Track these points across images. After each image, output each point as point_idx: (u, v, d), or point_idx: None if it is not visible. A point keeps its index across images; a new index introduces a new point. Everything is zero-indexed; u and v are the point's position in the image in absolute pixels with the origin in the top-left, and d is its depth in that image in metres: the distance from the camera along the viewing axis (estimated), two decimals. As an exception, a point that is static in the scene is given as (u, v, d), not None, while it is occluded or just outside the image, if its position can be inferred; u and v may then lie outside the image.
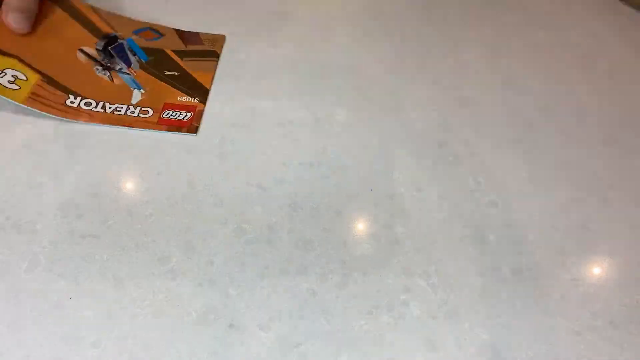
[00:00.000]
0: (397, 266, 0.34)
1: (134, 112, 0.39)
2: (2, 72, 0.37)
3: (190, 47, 0.44)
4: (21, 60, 0.38)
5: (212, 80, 0.42)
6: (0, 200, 0.34)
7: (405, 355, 0.30)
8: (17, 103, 0.37)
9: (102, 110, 0.39)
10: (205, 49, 0.44)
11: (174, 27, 0.46)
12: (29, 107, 0.37)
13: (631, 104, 0.44)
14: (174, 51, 0.44)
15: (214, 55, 0.44)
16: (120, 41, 0.43)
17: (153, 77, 0.42)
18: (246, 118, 0.40)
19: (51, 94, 0.38)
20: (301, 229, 0.35)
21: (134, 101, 0.40)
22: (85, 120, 0.38)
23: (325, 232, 0.35)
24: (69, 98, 0.39)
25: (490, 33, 0.49)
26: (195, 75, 0.42)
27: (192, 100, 0.41)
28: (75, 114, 0.38)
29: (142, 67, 0.42)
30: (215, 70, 0.43)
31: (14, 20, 0.38)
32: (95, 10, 0.44)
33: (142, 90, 0.41)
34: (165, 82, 0.41)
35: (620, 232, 0.36)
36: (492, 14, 0.51)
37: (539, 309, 0.32)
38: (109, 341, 0.29)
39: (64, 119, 0.38)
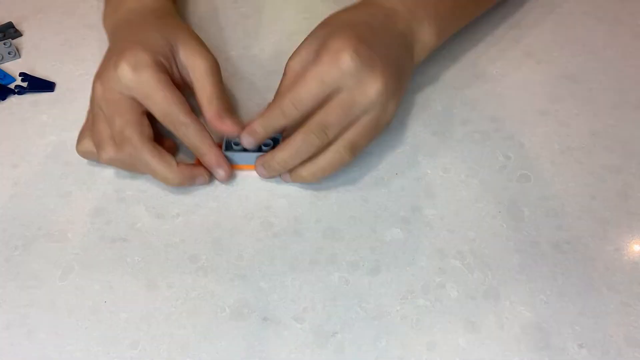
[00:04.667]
0: (429, 248, 0.33)
1: None
2: None
3: None
4: None
5: None
6: (32, 211, 0.35)
7: (445, 338, 0.29)
8: None
9: None
10: None
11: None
12: None
13: (664, 64, 0.42)
14: None
15: None
16: None
17: None
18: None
19: None
20: (328, 218, 0.34)
21: None
22: None
23: (353, 219, 0.34)
24: None
25: (508, 5, 0.48)
26: None
27: None
28: None
29: None
30: None
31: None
32: None
33: None
34: None
35: (664, 197, 0.35)
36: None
37: (582, 282, 0.31)
38: (146, 342, 0.29)
39: None
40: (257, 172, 0.35)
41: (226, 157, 0.34)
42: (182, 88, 0.35)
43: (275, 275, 0.32)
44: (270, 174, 0.34)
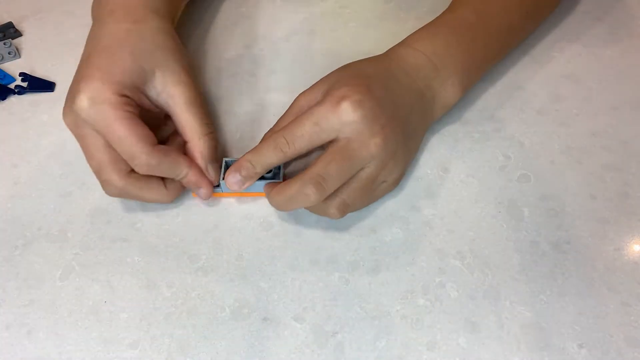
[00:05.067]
0: (429, 248, 0.33)
1: None
2: None
3: None
4: None
5: None
6: (31, 211, 0.35)
7: (445, 337, 0.29)
8: None
9: None
10: None
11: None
12: None
13: (664, 64, 0.42)
14: None
15: None
16: None
17: None
18: (266, 113, 0.40)
19: None
20: (328, 218, 0.34)
21: None
22: None
23: (353, 219, 0.34)
24: None
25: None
26: None
27: None
28: None
29: None
30: None
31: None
32: None
33: None
34: None
35: (664, 197, 0.35)
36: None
37: (582, 282, 0.31)
38: (146, 342, 0.29)
39: None
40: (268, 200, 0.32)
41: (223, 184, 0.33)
42: (156, 114, 0.33)
43: (275, 275, 0.32)
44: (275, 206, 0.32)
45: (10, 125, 0.39)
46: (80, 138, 0.31)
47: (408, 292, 0.31)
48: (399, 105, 0.32)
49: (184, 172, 0.32)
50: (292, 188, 0.30)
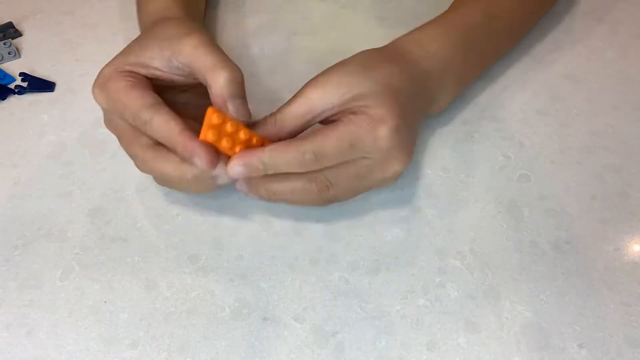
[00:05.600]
0: (429, 248, 0.33)
1: None
2: None
3: None
4: None
5: None
6: (32, 211, 0.35)
7: (445, 337, 0.29)
8: None
9: None
10: None
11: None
12: None
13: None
14: None
15: None
16: None
17: None
18: (266, 113, 0.40)
19: None
20: (328, 218, 0.34)
21: None
22: None
23: (353, 219, 0.34)
24: None
25: (507, 6, 0.48)
26: None
27: None
28: None
29: None
30: None
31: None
32: None
33: None
34: None
35: (664, 197, 0.35)
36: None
37: (582, 282, 0.31)
38: (146, 342, 0.29)
39: None
40: (237, 185, 0.31)
41: None
42: (181, 86, 0.32)
43: (275, 275, 0.32)
44: (251, 194, 0.31)
45: (10, 125, 0.39)
46: (112, 130, 0.32)
47: (408, 292, 0.31)
48: (417, 118, 0.33)
49: (175, 135, 0.28)
50: (298, 182, 0.29)
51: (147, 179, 0.36)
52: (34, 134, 0.39)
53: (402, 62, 0.33)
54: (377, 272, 0.32)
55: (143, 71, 0.31)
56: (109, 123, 0.32)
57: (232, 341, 0.29)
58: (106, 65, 0.31)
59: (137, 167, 0.32)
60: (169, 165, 0.30)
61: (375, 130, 0.29)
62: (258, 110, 0.42)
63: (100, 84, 0.30)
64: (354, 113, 0.29)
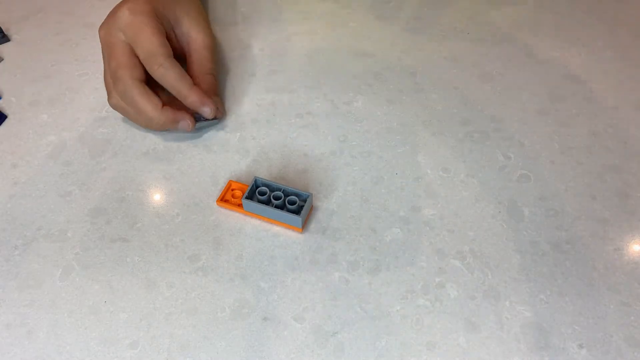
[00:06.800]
0: (429, 249, 0.33)
1: None
2: None
3: None
4: None
5: None
6: (31, 211, 0.35)
7: (445, 337, 0.29)
8: None
9: None
10: None
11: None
12: None
13: (664, 64, 0.42)
14: None
15: None
16: None
17: None
18: (266, 112, 0.40)
19: None
20: (328, 218, 0.34)
21: None
22: None
23: (353, 219, 0.34)
24: None
25: (508, 5, 0.48)
26: None
27: None
28: None
29: None
30: None
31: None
32: None
33: None
34: None
35: (664, 197, 0.35)
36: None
37: (582, 282, 0.31)
38: (145, 342, 0.29)
39: None
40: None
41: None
42: (178, 54, 0.39)
43: (275, 275, 0.32)
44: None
45: (10, 125, 0.39)
46: (108, 46, 0.36)
47: (408, 292, 0.31)
48: None
49: (187, 87, 0.36)
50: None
51: (147, 179, 0.36)
52: (34, 134, 0.39)
53: None
54: (377, 272, 0.32)
55: (166, 28, 0.37)
56: (108, 33, 0.36)
57: (232, 341, 0.29)
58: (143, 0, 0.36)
59: (111, 92, 0.36)
60: (149, 106, 0.36)
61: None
62: (258, 111, 0.42)
63: (133, 9, 0.36)
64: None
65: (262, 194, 0.33)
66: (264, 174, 0.36)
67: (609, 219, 0.34)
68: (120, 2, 0.37)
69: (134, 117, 0.37)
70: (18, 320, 0.30)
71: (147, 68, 0.36)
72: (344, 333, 0.29)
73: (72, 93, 0.41)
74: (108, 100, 0.37)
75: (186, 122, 0.37)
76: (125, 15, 0.35)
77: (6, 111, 0.40)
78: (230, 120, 0.40)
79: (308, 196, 0.33)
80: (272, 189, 0.33)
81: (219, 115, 0.38)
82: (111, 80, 0.36)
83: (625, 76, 0.41)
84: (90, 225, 0.34)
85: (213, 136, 0.39)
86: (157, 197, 0.35)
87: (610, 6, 0.47)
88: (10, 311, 0.30)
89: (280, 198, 0.33)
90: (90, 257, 0.33)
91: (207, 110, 0.37)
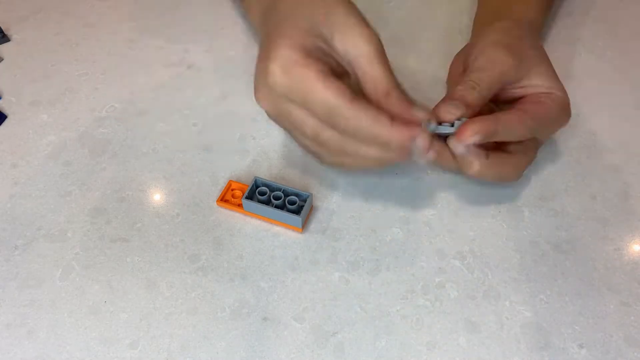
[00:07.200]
0: (429, 249, 0.33)
1: None
2: None
3: None
4: None
5: None
6: (31, 211, 0.35)
7: (445, 337, 0.29)
8: None
9: None
10: None
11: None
12: None
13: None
14: None
15: None
16: None
17: None
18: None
19: None
20: (328, 217, 0.34)
21: None
22: None
23: (353, 219, 0.34)
24: None
25: None
26: None
27: None
28: None
29: None
30: None
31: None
32: None
33: None
34: None
35: (664, 197, 0.35)
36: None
37: (582, 282, 0.31)
38: (145, 342, 0.29)
39: None
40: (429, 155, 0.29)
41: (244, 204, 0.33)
42: (342, 77, 0.30)
43: (275, 275, 0.32)
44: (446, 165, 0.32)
45: (10, 125, 0.39)
46: (284, 117, 0.30)
47: (408, 292, 0.31)
48: None
49: (386, 125, 0.28)
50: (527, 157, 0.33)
51: (147, 179, 0.36)
52: (34, 134, 0.39)
53: (522, 26, 0.37)
54: (377, 272, 0.32)
55: (323, 60, 0.29)
56: (273, 107, 0.30)
57: (232, 341, 0.29)
58: (281, 45, 0.28)
59: (324, 157, 0.31)
60: (372, 149, 0.29)
61: (568, 115, 0.34)
62: (258, 111, 0.42)
63: (283, 66, 0.28)
64: (545, 94, 0.34)
65: (262, 194, 0.33)
66: (264, 174, 0.36)
67: (609, 219, 0.34)
68: (263, 59, 0.29)
69: (361, 162, 0.30)
70: (18, 320, 0.30)
71: (335, 130, 0.29)
72: (344, 333, 0.29)
73: (72, 93, 0.41)
74: (322, 162, 0.32)
75: (420, 141, 0.28)
76: (279, 74, 0.28)
77: (6, 111, 0.40)
78: (230, 121, 0.40)
79: (308, 196, 0.33)
80: (272, 189, 0.33)
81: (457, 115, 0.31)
82: (319, 149, 0.30)
83: (625, 76, 0.41)
84: (90, 225, 0.34)
85: (213, 136, 0.39)
86: (157, 197, 0.35)
87: (610, 6, 0.47)
88: (10, 311, 0.30)
89: (280, 198, 0.33)
90: (90, 257, 0.33)
91: (420, 144, 0.28)
